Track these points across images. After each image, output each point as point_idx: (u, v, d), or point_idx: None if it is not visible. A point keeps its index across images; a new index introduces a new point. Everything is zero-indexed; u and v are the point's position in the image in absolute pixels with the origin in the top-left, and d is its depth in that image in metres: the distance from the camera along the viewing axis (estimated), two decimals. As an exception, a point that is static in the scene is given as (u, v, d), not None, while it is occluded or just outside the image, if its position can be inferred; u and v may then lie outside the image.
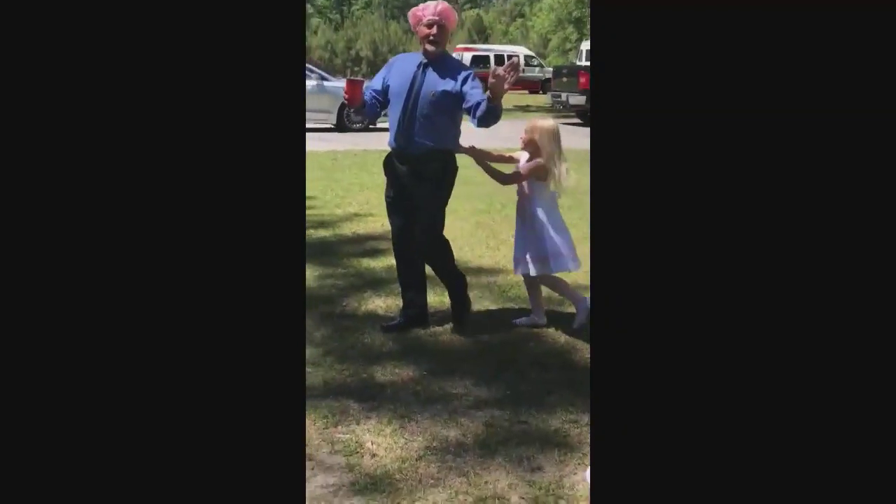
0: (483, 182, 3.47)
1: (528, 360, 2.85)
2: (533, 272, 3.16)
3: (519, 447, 2.16)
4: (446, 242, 3.23)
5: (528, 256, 3.15)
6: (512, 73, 2.71)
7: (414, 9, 3.05)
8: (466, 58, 22.39)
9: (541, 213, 3.16)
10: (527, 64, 21.68)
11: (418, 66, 2.98)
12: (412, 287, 3.21)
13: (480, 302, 3.50)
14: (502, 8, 46.84)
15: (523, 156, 3.23)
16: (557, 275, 3.23)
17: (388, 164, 3.13)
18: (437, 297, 3.48)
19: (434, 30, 2.96)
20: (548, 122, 3.23)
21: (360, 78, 3.11)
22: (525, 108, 17.56)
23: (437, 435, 2.24)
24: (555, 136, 3.13)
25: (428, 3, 2.99)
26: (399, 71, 3.08)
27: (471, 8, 48.46)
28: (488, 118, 2.86)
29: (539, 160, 3.09)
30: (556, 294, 3.38)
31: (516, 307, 3.48)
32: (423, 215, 3.07)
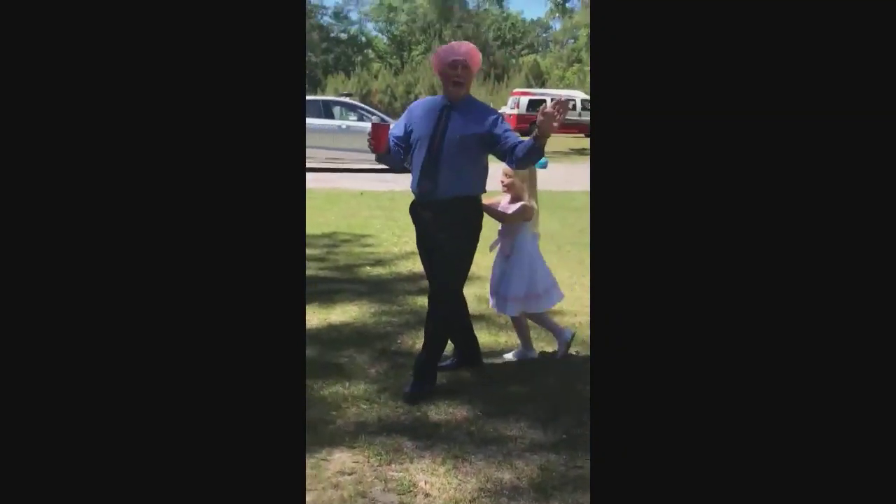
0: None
1: (584, 404, 2.79)
2: (526, 310, 3.25)
3: (575, 492, 2.11)
4: (462, 298, 3.11)
5: (514, 295, 3.19)
6: (561, 110, 2.57)
7: (438, 49, 2.97)
8: (523, 102, 22.61)
9: (531, 251, 3.25)
10: (583, 108, 21.73)
11: (442, 110, 2.86)
12: (460, 329, 3.14)
13: (536, 343, 3.47)
14: (559, 53, 47.33)
15: (505, 198, 3.28)
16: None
17: (413, 212, 3.01)
18: (492, 337, 3.46)
19: (459, 71, 2.84)
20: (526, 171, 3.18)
21: (386, 122, 2.94)
22: (581, 152, 17.55)
23: (492, 477, 2.21)
24: (533, 177, 3.22)
25: (452, 43, 2.94)
26: (422, 115, 2.94)
27: (528, 53, 49.14)
28: (531, 156, 2.74)
29: (524, 202, 3.16)
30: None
31: (574, 351, 3.43)
32: (444, 266, 2.92)
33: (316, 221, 6.61)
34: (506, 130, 2.82)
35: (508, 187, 3.20)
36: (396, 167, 3.31)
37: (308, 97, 12.08)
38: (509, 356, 3.36)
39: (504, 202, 3.26)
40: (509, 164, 2.87)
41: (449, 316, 3.00)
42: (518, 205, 3.17)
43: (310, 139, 9.33)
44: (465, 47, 2.89)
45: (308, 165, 10.74)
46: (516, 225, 3.22)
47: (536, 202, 3.21)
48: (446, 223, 2.84)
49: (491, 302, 3.36)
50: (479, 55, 2.94)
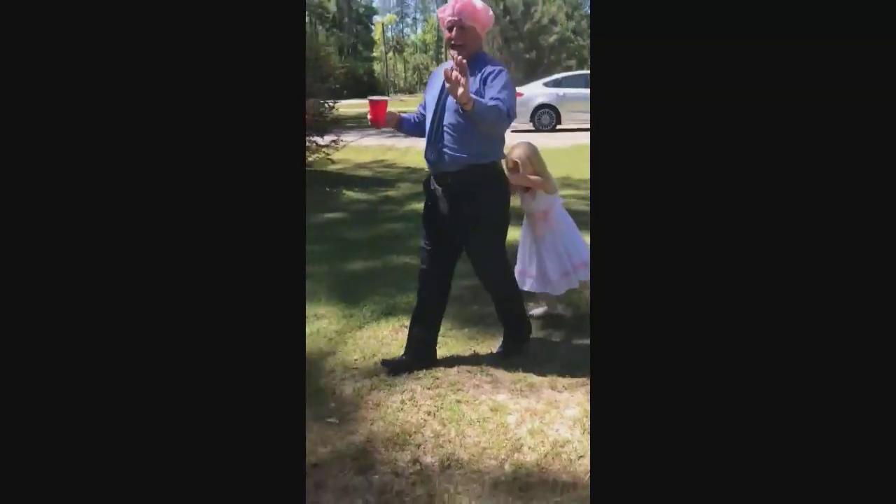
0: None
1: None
2: (568, 286, 3.16)
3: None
4: (509, 277, 2.94)
5: (554, 272, 3.10)
6: (461, 72, 2.31)
7: (439, 10, 2.71)
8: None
9: (566, 220, 3.16)
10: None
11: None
12: (422, 322, 2.86)
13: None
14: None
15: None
16: None
17: (426, 184, 2.79)
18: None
19: (454, 32, 2.57)
20: (520, 147, 3.06)
21: (383, 98, 2.72)
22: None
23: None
24: (536, 154, 3.08)
25: (449, 1, 2.60)
26: (432, 81, 2.75)
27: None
28: (479, 122, 2.47)
29: (538, 178, 3.03)
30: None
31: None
32: (481, 254, 2.77)
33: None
34: (489, 87, 2.50)
35: (511, 170, 3.01)
36: (414, 135, 3.01)
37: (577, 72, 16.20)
38: (537, 312, 3.35)
39: (521, 194, 3.13)
40: None
41: (503, 301, 2.90)
42: (537, 178, 3.03)
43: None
44: (460, 4, 2.56)
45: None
46: (544, 198, 3.07)
47: (544, 174, 3.07)
48: (461, 198, 2.61)
49: (529, 284, 3.17)
50: (482, 9, 2.60)
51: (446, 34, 2.59)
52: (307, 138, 6.81)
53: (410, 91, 45.99)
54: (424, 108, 2.79)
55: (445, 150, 2.58)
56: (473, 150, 2.56)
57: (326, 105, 6.73)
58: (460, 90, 2.28)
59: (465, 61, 2.31)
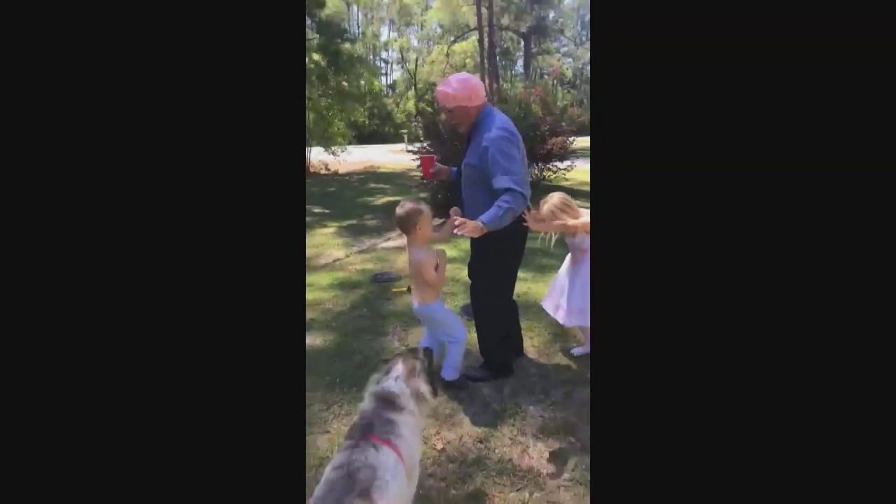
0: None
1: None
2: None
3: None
4: (502, 312, 3.13)
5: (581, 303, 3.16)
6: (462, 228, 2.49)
7: None
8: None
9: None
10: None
11: (467, 138, 2.86)
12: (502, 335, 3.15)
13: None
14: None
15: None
16: None
17: None
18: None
19: (447, 116, 2.87)
20: (553, 198, 3.18)
21: (432, 154, 3.01)
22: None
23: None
24: (568, 202, 3.16)
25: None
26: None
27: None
28: (502, 220, 2.55)
29: (581, 220, 3.10)
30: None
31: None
32: (479, 289, 3.02)
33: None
34: (497, 174, 2.58)
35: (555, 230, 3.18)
36: None
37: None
38: (577, 351, 3.43)
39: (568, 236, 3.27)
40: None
41: (488, 324, 3.09)
42: (580, 221, 3.12)
43: None
44: (437, 96, 2.80)
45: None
46: (582, 238, 3.17)
47: (579, 218, 3.13)
48: (477, 248, 2.91)
49: (560, 315, 3.29)
50: (452, 92, 2.74)
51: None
52: (551, 164, 9.41)
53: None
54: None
55: (464, 208, 2.83)
56: (482, 210, 2.60)
57: (568, 140, 9.41)
58: (468, 232, 2.45)
59: (458, 221, 2.51)
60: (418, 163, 6.80)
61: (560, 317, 3.25)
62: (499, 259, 2.91)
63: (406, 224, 2.78)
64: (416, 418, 1.94)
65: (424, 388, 2.01)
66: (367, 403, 1.93)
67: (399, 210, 2.78)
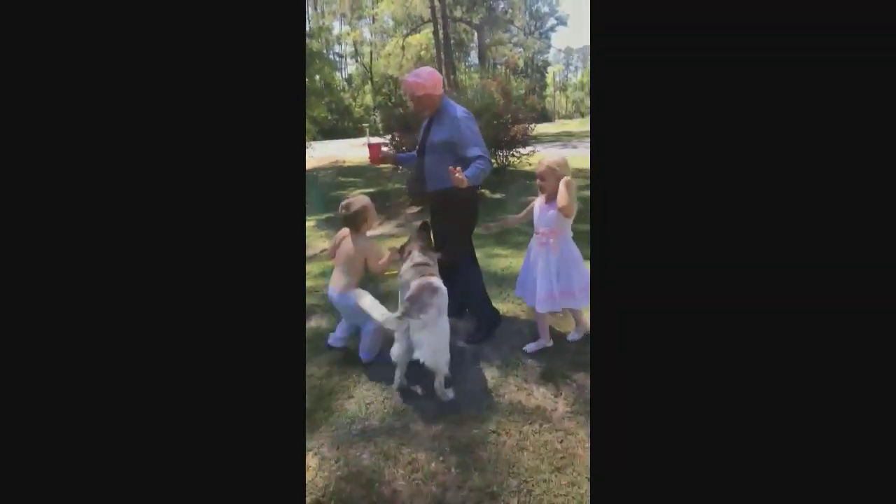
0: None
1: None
2: (566, 306, 3.19)
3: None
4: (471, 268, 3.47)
5: (556, 293, 3.14)
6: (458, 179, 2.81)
7: None
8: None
9: (572, 248, 3.14)
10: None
11: (425, 123, 3.37)
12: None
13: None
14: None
15: (540, 198, 3.22)
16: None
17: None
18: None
19: (415, 104, 3.31)
20: (555, 157, 3.14)
21: (380, 140, 3.17)
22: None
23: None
24: (566, 165, 3.09)
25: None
26: (421, 131, 3.41)
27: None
28: (479, 178, 2.99)
29: (564, 203, 2.98)
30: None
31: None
32: (456, 251, 3.35)
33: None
34: (468, 146, 3.04)
35: (542, 189, 3.16)
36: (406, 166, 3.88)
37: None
38: (530, 347, 3.37)
39: (539, 202, 3.22)
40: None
41: (472, 284, 3.47)
42: (562, 198, 3.00)
43: None
44: (403, 87, 3.18)
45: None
46: (558, 221, 3.10)
47: (573, 200, 3.00)
48: (441, 218, 3.35)
49: (527, 297, 3.31)
50: (414, 81, 3.18)
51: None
52: (514, 150, 9.85)
53: (569, 117, 57.97)
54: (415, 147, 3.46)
55: (427, 182, 3.27)
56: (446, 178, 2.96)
57: (529, 127, 9.84)
58: (458, 183, 2.84)
59: (458, 174, 2.84)
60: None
61: (552, 305, 3.19)
62: (463, 222, 3.38)
63: (357, 220, 3.19)
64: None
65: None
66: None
67: (349, 207, 3.16)
